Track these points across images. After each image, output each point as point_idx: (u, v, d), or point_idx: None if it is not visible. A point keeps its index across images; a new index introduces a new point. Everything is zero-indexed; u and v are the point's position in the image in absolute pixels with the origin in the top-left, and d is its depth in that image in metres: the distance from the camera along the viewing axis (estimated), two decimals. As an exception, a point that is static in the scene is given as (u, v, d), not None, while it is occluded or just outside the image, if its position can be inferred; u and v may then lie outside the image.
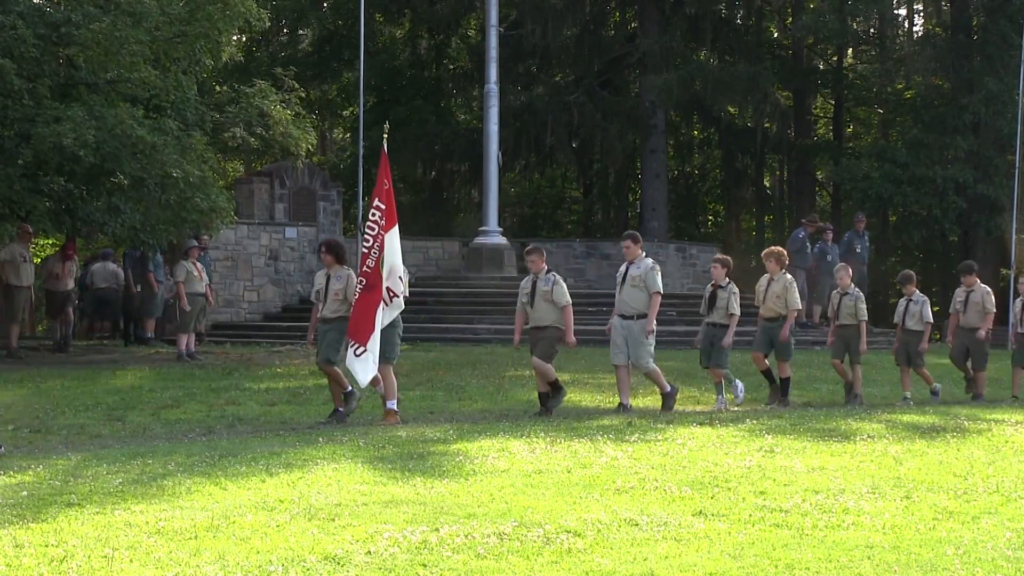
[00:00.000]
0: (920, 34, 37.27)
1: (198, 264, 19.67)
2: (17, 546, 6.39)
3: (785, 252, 14.90)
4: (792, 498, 7.74)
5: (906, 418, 12.57)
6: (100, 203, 18.93)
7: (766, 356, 14.52)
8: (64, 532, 6.70)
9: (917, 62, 31.98)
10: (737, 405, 14.01)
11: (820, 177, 38.11)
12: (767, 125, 34.14)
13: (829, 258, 23.45)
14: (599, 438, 10.47)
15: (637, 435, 10.73)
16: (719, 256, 14.76)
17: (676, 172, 40.27)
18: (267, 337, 22.25)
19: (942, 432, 11.26)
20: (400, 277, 12.32)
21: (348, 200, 30.14)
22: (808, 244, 23.66)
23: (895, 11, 36.88)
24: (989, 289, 15.74)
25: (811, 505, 7.54)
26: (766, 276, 14.64)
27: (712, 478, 8.50)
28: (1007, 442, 10.70)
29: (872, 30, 36.82)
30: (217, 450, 9.90)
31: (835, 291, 15.32)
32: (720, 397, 14.02)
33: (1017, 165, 26.37)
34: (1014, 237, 27.02)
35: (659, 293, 13.31)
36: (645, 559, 6.18)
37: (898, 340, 15.64)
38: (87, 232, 21.54)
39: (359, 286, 12.10)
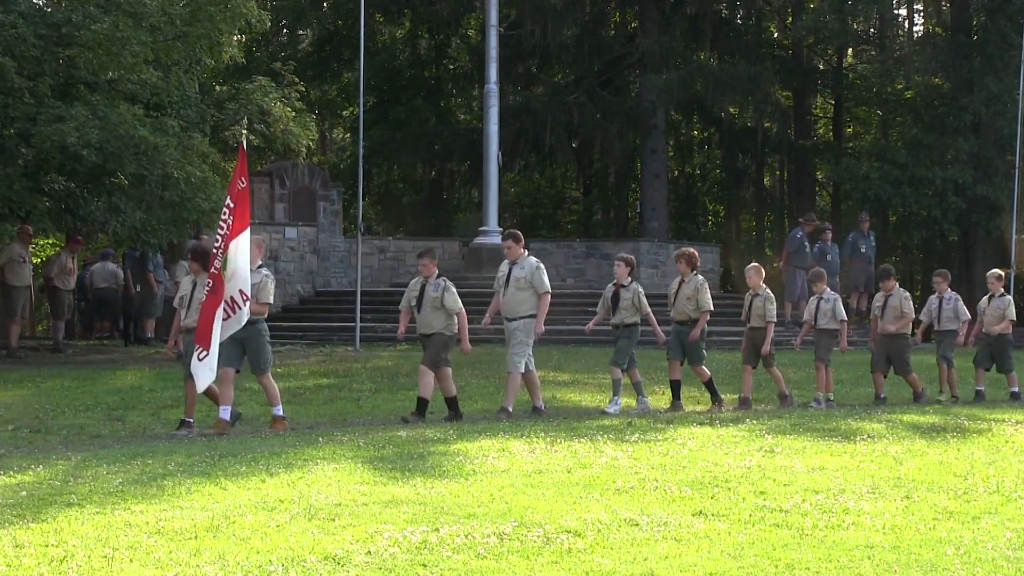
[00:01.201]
0: (920, 34, 37.27)
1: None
2: (17, 546, 6.38)
3: (696, 253, 14.30)
4: (792, 498, 7.74)
5: (906, 418, 12.58)
6: (101, 202, 18.94)
7: (682, 363, 13.97)
8: (64, 532, 6.70)
9: (917, 62, 31.96)
10: (638, 411, 13.32)
11: (820, 177, 38.09)
12: (767, 125, 34.13)
13: (829, 258, 23.45)
14: (599, 438, 10.47)
15: (637, 435, 10.74)
16: (623, 255, 14.19)
17: (676, 172, 40.26)
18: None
19: (942, 432, 11.27)
20: (262, 285, 11.67)
21: (348, 200, 30.13)
22: (807, 244, 23.65)
23: (895, 11, 36.86)
24: (907, 294, 15.33)
25: (811, 505, 7.54)
26: (677, 278, 14.13)
27: (712, 478, 8.50)
28: (1007, 442, 10.70)
29: (872, 30, 36.79)
30: (217, 450, 9.90)
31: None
32: (639, 398, 13.62)
33: (1017, 165, 26.35)
34: (1014, 237, 27.01)
35: (549, 293, 12.90)
36: (645, 559, 6.18)
37: (802, 335, 15.27)
38: (87, 232, 21.53)
39: (206, 288, 11.45)
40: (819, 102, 39.58)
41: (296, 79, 22.17)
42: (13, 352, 18.99)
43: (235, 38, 20.20)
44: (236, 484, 8.17)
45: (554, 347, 19.83)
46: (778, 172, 41.60)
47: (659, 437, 10.66)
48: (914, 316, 15.20)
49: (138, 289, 21.92)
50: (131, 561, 6.08)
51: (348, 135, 39.96)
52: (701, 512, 7.31)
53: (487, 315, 13.48)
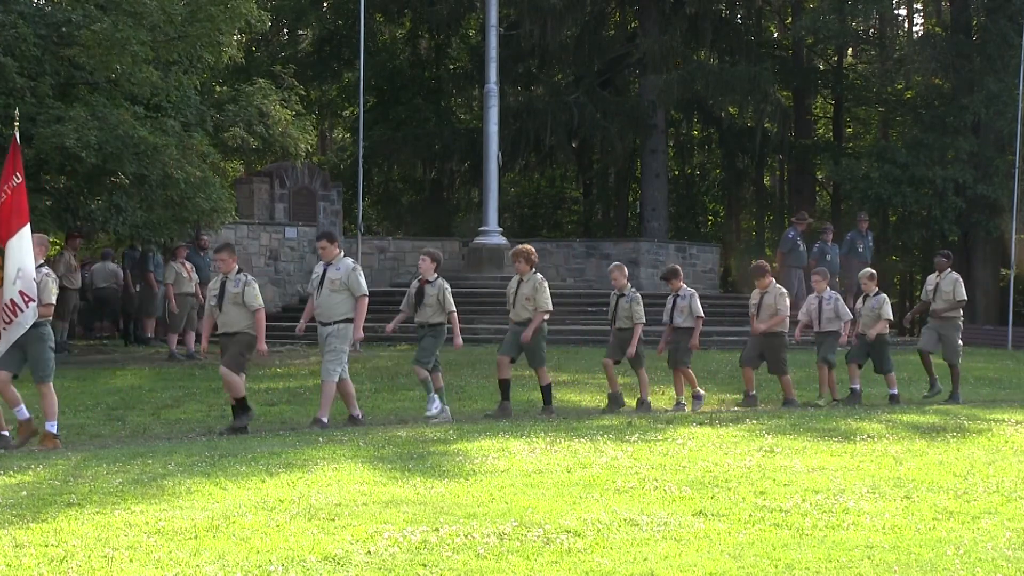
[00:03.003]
0: (920, 34, 37.26)
1: (187, 264, 19.76)
2: (17, 546, 6.38)
3: (534, 251, 13.68)
4: (792, 498, 7.74)
5: (906, 418, 12.59)
6: (102, 201, 18.95)
7: (513, 361, 13.30)
8: (64, 532, 6.70)
9: (917, 62, 31.94)
10: (429, 417, 12.62)
11: (820, 177, 38.10)
12: (767, 125, 34.14)
13: (828, 258, 23.43)
14: (599, 438, 10.47)
15: (637, 435, 10.74)
16: (428, 250, 13.47)
17: (676, 172, 40.27)
18: (267, 337, 22.16)
19: (942, 432, 11.27)
20: (43, 285, 10.80)
21: (348, 200, 30.13)
22: (801, 243, 23.62)
23: (895, 11, 36.88)
24: (783, 291, 14.66)
25: (811, 505, 7.54)
26: (516, 277, 13.51)
27: (712, 478, 8.50)
28: (1007, 442, 10.70)
29: (872, 30, 36.82)
30: (217, 450, 9.90)
31: (613, 291, 14.26)
32: (431, 396, 12.79)
33: (1017, 165, 26.36)
34: (1014, 237, 27.01)
35: (366, 296, 12.14)
36: (645, 559, 6.18)
37: (664, 340, 14.47)
38: (88, 231, 21.54)
39: None
40: (819, 102, 39.59)
41: (295, 82, 22.16)
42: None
43: (235, 38, 20.17)
44: (236, 484, 8.18)
45: (554, 347, 19.79)
46: (778, 172, 41.62)
47: (659, 437, 10.66)
48: (788, 314, 14.52)
49: (138, 289, 21.93)
50: (131, 561, 6.08)
51: (348, 135, 39.97)
52: (701, 512, 7.31)
53: (301, 321, 12.67)
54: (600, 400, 14.58)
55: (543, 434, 10.74)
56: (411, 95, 34.95)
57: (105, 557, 6.14)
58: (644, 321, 13.92)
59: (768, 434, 10.84)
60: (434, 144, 33.84)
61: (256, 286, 11.95)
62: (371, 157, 32.05)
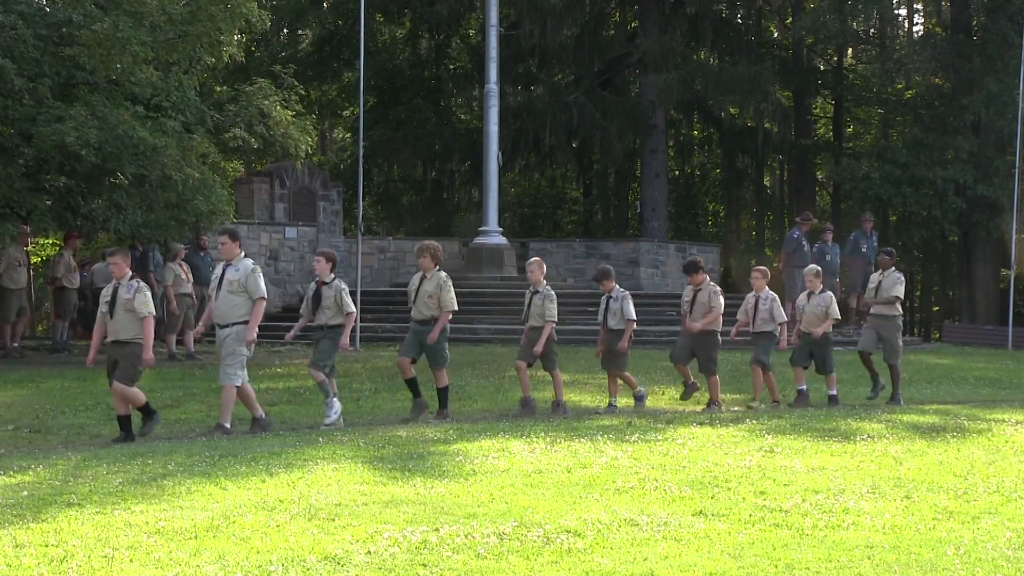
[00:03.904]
0: (920, 34, 37.28)
1: (184, 265, 19.79)
2: (17, 546, 6.38)
3: (439, 247, 13.31)
4: (792, 498, 7.74)
5: (906, 418, 12.58)
6: (102, 201, 18.96)
7: (414, 361, 12.90)
8: (64, 532, 6.70)
9: (917, 62, 31.98)
10: (329, 423, 12.24)
11: (820, 177, 38.11)
12: (767, 125, 34.14)
13: (828, 258, 23.42)
14: (599, 438, 10.47)
15: (637, 435, 10.74)
16: (323, 250, 13.09)
17: (676, 172, 40.28)
18: (267, 337, 22.13)
19: (942, 432, 11.27)
20: None
21: (348, 200, 30.13)
22: (805, 243, 23.62)
23: (895, 11, 36.88)
24: (717, 288, 14.32)
25: (811, 505, 7.54)
26: (419, 273, 13.04)
27: (712, 478, 8.50)
28: (1007, 442, 10.70)
29: (872, 30, 36.83)
30: (217, 450, 9.90)
31: (528, 289, 13.85)
32: (329, 401, 12.43)
33: (1017, 165, 26.36)
34: (1014, 237, 27.02)
35: (264, 299, 11.65)
36: (645, 559, 6.18)
37: (601, 342, 14.18)
38: (88, 230, 21.54)
39: None
40: (819, 102, 39.60)
41: (296, 82, 22.16)
42: (9, 352, 19.02)
43: (235, 38, 20.17)
44: (236, 484, 8.18)
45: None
46: (778, 172, 41.62)
47: (659, 437, 10.66)
48: (722, 312, 14.17)
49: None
50: (131, 561, 6.08)
51: (348, 135, 39.98)
52: (701, 512, 7.31)
53: (200, 324, 12.18)
54: (600, 400, 14.58)
55: (543, 434, 10.74)
56: (411, 95, 34.95)
57: (105, 557, 6.14)
58: (556, 320, 13.56)
59: (768, 434, 10.84)
60: (434, 144, 33.84)
61: (147, 293, 11.39)
62: (371, 157, 32.05)
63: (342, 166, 36.62)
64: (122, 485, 8.16)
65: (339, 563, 6.04)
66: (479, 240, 26.61)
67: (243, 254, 11.82)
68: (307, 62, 34.02)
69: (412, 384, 12.95)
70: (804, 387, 14.67)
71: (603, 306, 14.16)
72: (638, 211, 36.22)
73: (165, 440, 11.42)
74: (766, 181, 42.00)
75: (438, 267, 12.94)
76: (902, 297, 15.49)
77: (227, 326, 11.58)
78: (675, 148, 39.90)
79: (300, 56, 34.63)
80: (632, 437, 10.60)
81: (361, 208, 22.89)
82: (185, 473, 8.65)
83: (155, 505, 7.45)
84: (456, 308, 12.93)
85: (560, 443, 10.17)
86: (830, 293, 14.97)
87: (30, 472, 8.84)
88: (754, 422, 11.87)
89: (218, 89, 22.60)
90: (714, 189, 41.75)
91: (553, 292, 13.70)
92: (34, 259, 28.33)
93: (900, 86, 35.03)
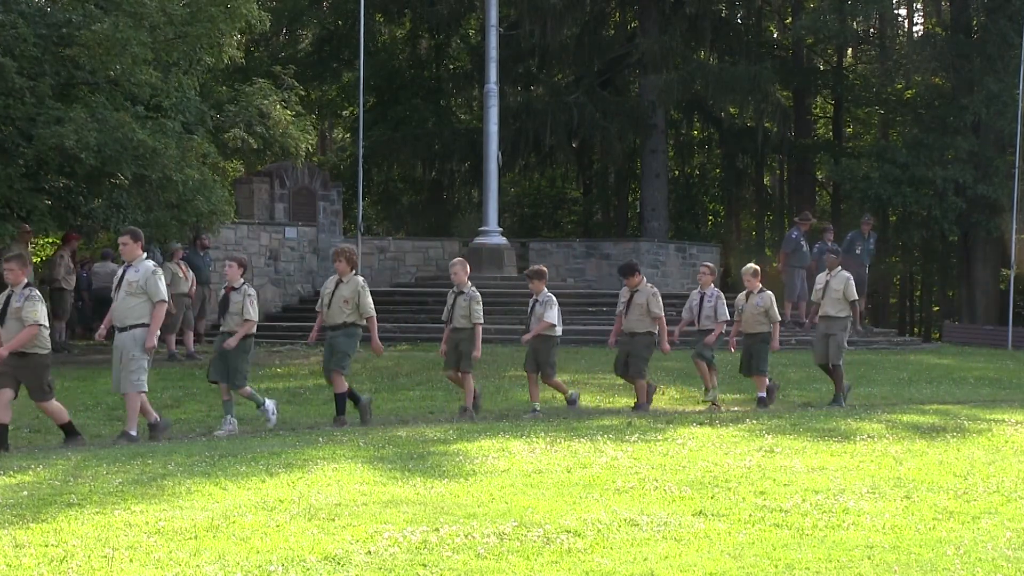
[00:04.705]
0: (920, 34, 37.28)
1: (182, 265, 19.80)
2: (17, 546, 6.38)
3: (354, 251, 12.88)
4: (792, 498, 7.74)
5: (906, 418, 12.58)
6: (102, 201, 18.97)
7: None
8: (64, 532, 6.69)
9: (917, 62, 31.98)
10: (270, 426, 12.05)
11: (820, 177, 38.12)
12: (767, 125, 34.16)
13: (828, 258, 23.43)
14: (599, 438, 10.47)
15: (637, 435, 10.74)
16: (235, 256, 12.72)
17: (676, 172, 40.29)
18: (267, 337, 22.24)
19: (942, 432, 11.27)
20: None
21: (348, 200, 30.15)
22: (804, 243, 23.63)
23: (895, 11, 36.89)
24: (656, 291, 14.02)
25: (811, 505, 7.54)
26: (334, 277, 12.57)
27: (712, 478, 8.50)
28: (1007, 442, 10.70)
29: (872, 30, 36.84)
30: (217, 450, 9.90)
31: (451, 289, 13.53)
32: (228, 417, 12.14)
33: (1017, 165, 26.37)
34: (1014, 237, 27.02)
35: (164, 302, 11.30)
36: (645, 559, 6.18)
37: (526, 341, 13.75)
38: (88, 230, 21.55)
39: None
40: (819, 102, 39.60)
41: (295, 82, 22.17)
42: None
43: (235, 38, 20.16)
44: (236, 484, 8.17)
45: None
46: (778, 172, 41.63)
47: (659, 437, 10.66)
48: (662, 314, 13.81)
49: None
50: (131, 561, 6.08)
51: (348, 135, 39.99)
52: (701, 512, 7.31)
53: (102, 327, 11.93)
54: (600, 400, 14.58)
55: (543, 434, 10.74)
56: (411, 95, 34.96)
57: (105, 557, 6.14)
58: (483, 321, 13.27)
59: (768, 434, 10.84)
60: (434, 144, 33.85)
61: (38, 301, 10.77)
62: (371, 157, 32.06)
63: (342, 166, 36.63)
64: (122, 485, 8.16)
65: (339, 563, 6.04)
66: (479, 240, 26.61)
67: (145, 255, 11.46)
68: (307, 62, 34.03)
69: (341, 399, 12.46)
70: (772, 383, 14.69)
71: (530, 307, 13.79)
72: (638, 211, 36.23)
73: (165, 440, 11.42)
74: (766, 181, 42.01)
75: (354, 271, 12.58)
76: (857, 298, 15.26)
77: (125, 329, 11.20)
78: (675, 148, 39.90)
79: (300, 56, 34.65)
80: (632, 437, 10.60)
81: (361, 208, 22.92)
82: (185, 473, 8.64)
83: (155, 505, 7.45)
84: (373, 314, 12.46)
85: (560, 443, 10.17)
86: (769, 293, 14.65)
87: (30, 472, 8.84)
88: (754, 422, 11.87)
89: (218, 89, 22.60)
90: (714, 189, 41.77)
91: (479, 293, 13.39)
92: (33, 259, 28.30)
93: (900, 86, 35.04)
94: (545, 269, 14.32)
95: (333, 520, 6.98)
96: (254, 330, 12.35)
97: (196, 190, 18.24)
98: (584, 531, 6.75)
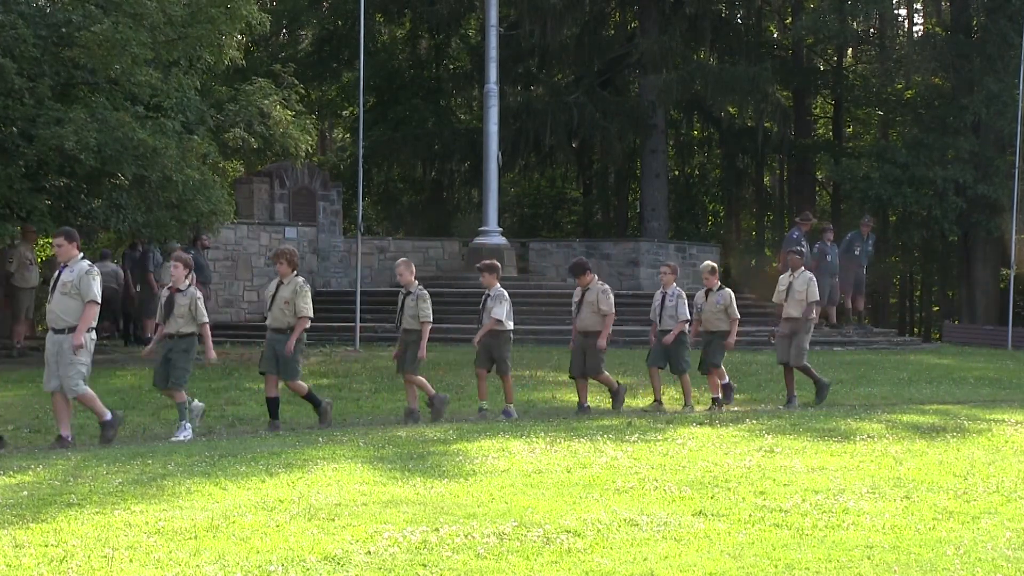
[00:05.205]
0: (920, 34, 37.29)
1: None
2: (17, 546, 6.38)
3: (295, 253, 12.57)
4: (792, 498, 7.74)
5: (906, 418, 12.58)
6: (102, 201, 18.97)
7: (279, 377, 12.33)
8: (64, 532, 6.69)
9: (917, 62, 31.98)
10: (193, 432, 11.77)
11: (820, 177, 38.13)
12: (767, 125, 34.16)
13: (829, 258, 23.43)
14: (599, 438, 10.47)
15: (637, 435, 10.74)
16: (179, 255, 12.42)
17: (676, 172, 40.30)
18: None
19: (942, 432, 11.27)
20: None
21: (348, 200, 30.15)
22: (804, 243, 23.63)
23: (895, 11, 36.90)
24: (606, 288, 13.70)
25: (811, 505, 7.54)
26: (275, 279, 12.40)
27: (712, 478, 8.50)
28: (1007, 442, 10.70)
29: (872, 30, 36.83)
30: (217, 450, 9.90)
31: (399, 288, 13.26)
32: (184, 423, 11.90)
33: (1017, 165, 26.37)
34: (1014, 237, 27.02)
35: (95, 302, 10.96)
36: (645, 559, 6.18)
37: (478, 337, 13.40)
38: (88, 230, 21.55)
39: None
40: (819, 102, 39.61)
41: (296, 81, 22.17)
42: (19, 352, 19.04)
43: (236, 39, 20.16)
44: (236, 484, 8.17)
45: (554, 347, 19.85)
46: (778, 172, 41.64)
47: (659, 437, 10.66)
48: (612, 312, 13.57)
49: (138, 289, 21.94)
50: (131, 561, 6.08)
51: (348, 135, 39.99)
52: (701, 512, 7.31)
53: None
54: (600, 400, 14.58)
55: (543, 434, 10.74)
56: (411, 95, 34.97)
57: (105, 557, 6.14)
58: (431, 320, 12.96)
59: (768, 434, 10.84)
60: (434, 144, 33.85)
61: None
62: (371, 157, 32.07)
63: (342, 166, 36.64)
64: (122, 485, 8.16)
65: (339, 563, 6.04)
66: (479, 240, 26.61)
67: (80, 256, 11.23)
68: (307, 62, 34.04)
69: (272, 404, 12.38)
70: (727, 380, 14.42)
71: (482, 303, 13.44)
72: (638, 211, 36.23)
73: (165, 440, 11.42)
74: (766, 181, 42.02)
75: (295, 272, 12.36)
76: (818, 299, 15.02)
77: (60, 331, 10.99)
78: (675, 148, 39.91)
79: (300, 56, 34.65)
80: (632, 437, 10.60)
81: (361, 208, 22.90)
82: (185, 473, 8.65)
83: (155, 505, 7.45)
84: (312, 315, 12.33)
85: (560, 443, 10.17)
86: (729, 291, 14.45)
87: (30, 472, 8.84)
88: (754, 422, 11.87)
89: (218, 89, 22.61)
90: (714, 189, 41.78)
91: (427, 292, 13.10)
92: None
93: (900, 86, 35.04)
94: (498, 264, 13.81)
95: (333, 520, 6.98)
96: (203, 331, 11.98)
97: (196, 190, 18.24)
98: (584, 531, 6.75)
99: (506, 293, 13.45)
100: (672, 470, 8.85)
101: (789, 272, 15.03)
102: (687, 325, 14.23)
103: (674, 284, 14.38)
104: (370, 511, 7.26)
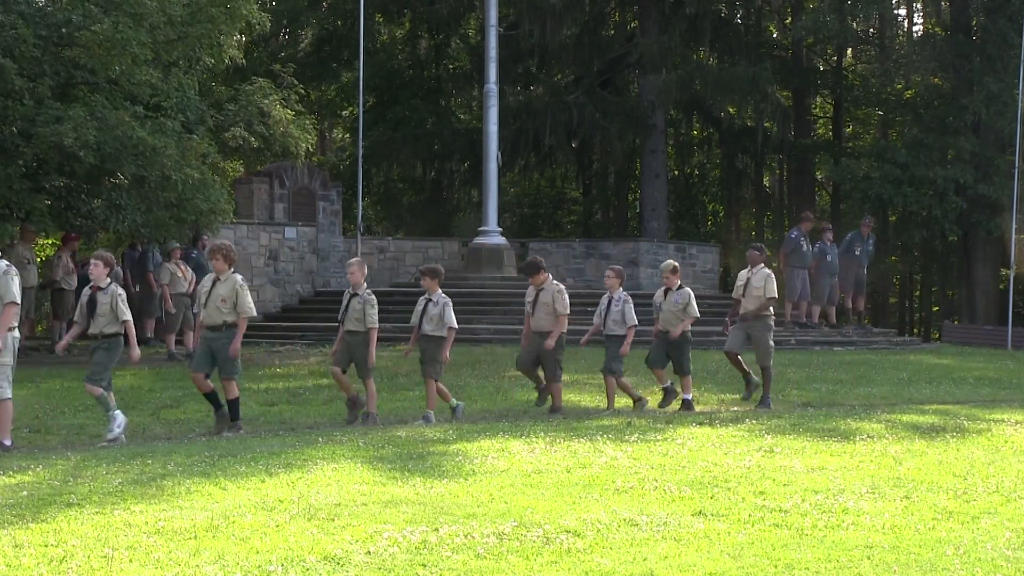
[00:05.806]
0: (920, 34, 37.28)
1: (182, 265, 19.81)
2: (17, 546, 6.38)
3: (232, 248, 12.24)
4: (792, 498, 7.74)
5: (906, 418, 12.58)
6: (102, 200, 18.97)
7: (207, 376, 11.93)
8: (64, 532, 6.69)
9: (917, 62, 31.99)
10: (112, 438, 11.42)
11: (820, 177, 38.12)
12: (767, 125, 34.16)
13: (829, 258, 23.46)
14: (599, 438, 10.47)
15: (637, 435, 10.74)
16: (100, 253, 11.95)
17: (676, 172, 40.29)
18: (267, 337, 22.25)
19: (942, 432, 11.27)
20: None
21: (348, 200, 30.14)
22: (804, 243, 23.64)
23: (895, 11, 36.90)
24: (562, 288, 13.42)
25: (811, 505, 7.54)
26: (210, 276, 12.04)
27: (712, 478, 8.50)
28: (1007, 442, 10.70)
29: (872, 30, 36.83)
30: (217, 450, 9.90)
31: (346, 290, 12.93)
32: (112, 415, 11.62)
33: (1017, 165, 26.37)
34: (1014, 237, 27.03)
35: (15, 304, 10.67)
36: (645, 559, 6.18)
37: (412, 341, 13.28)
38: (88, 230, 21.55)
39: None
40: (819, 102, 39.60)
41: (295, 81, 22.17)
42: (18, 352, 19.03)
43: (236, 38, 20.18)
44: (236, 484, 8.17)
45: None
46: (778, 172, 41.63)
47: (659, 437, 10.66)
48: (566, 312, 13.28)
49: (137, 289, 21.93)
50: (131, 561, 6.08)
51: (348, 135, 39.99)
52: (701, 512, 7.31)
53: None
54: (600, 400, 14.57)
55: (543, 434, 10.74)
56: (410, 95, 34.97)
57: (105, 557, 6.14)
58: (377, 326, 12.63)
59: (768, 434, 10.84)
60: (434, 144, 33.85)
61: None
62: (371, 157, 32.06)
63: (342, 166, 36.63)
64: (122, 485, 8.16)
65: (339, 563, 6.04)
66: (479, 240, 26.61)
67: None
68: (307, 62, 34.04)
69: (212, 398, 12.03)
70: (669, 383, 14.03)
71: (420, 307, 13.08)
72: (638, 211, 36.23)
73: (165, 440, 11.42)
74: (766, 181, 42.01)
75: (232, 269, 11.97)
76: (776, 297, 14.65)
77: None
78: (675, 148, 39.91)
79: (300, 56, 34.66)
80: (632, 437, 10.60)
81: (361, 208, 22.93)
82: (185, 473, 8.64)
83: (155, 505, 7.45)
84: (255, 314, 12.04)
85: (560, 443, 10.17)
86: (688, 290, 14.15)
87: (30, 472, 8.84)
88: (754, 422, 11.87)
89: (218, 89, 22.62)
90: (714, 189, 41.78)
91: (374, 297, 12.79)
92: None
93: (900, 86, 35.04)
94: (441, 269, 13.46)
95: (333, 520, 6.98)
96: (127, 328, 11.74)
97: (195, 189, 18.25)
98: (584, 531, 6.75)
99: (449, 300, 13.08)
100: (672, 470, 8.85)
101: (749, 268, 14.74)
102: (632, 331, 13.79)
103: (620, 288, 14.02)
104: (370, 511, 7.26)
